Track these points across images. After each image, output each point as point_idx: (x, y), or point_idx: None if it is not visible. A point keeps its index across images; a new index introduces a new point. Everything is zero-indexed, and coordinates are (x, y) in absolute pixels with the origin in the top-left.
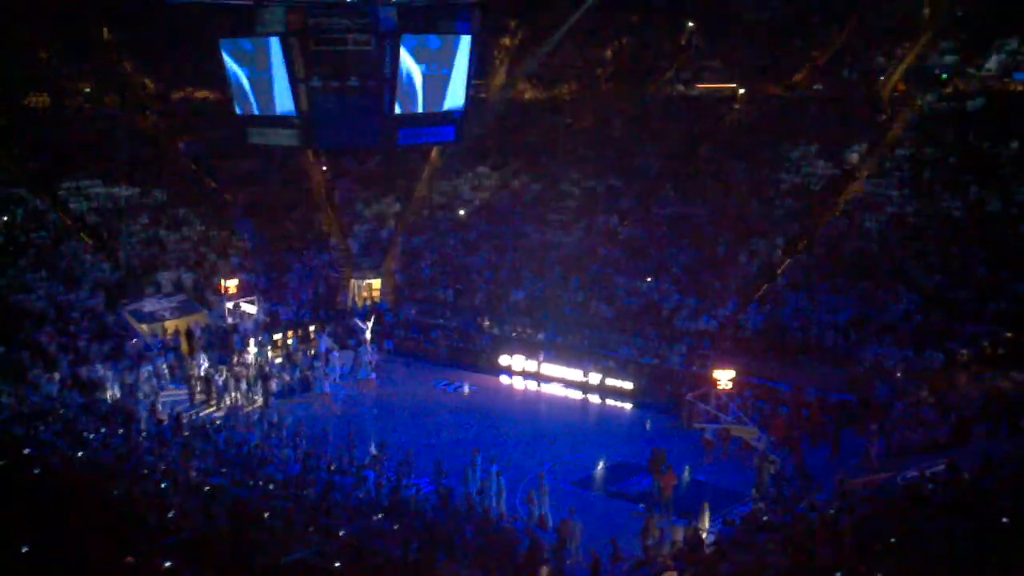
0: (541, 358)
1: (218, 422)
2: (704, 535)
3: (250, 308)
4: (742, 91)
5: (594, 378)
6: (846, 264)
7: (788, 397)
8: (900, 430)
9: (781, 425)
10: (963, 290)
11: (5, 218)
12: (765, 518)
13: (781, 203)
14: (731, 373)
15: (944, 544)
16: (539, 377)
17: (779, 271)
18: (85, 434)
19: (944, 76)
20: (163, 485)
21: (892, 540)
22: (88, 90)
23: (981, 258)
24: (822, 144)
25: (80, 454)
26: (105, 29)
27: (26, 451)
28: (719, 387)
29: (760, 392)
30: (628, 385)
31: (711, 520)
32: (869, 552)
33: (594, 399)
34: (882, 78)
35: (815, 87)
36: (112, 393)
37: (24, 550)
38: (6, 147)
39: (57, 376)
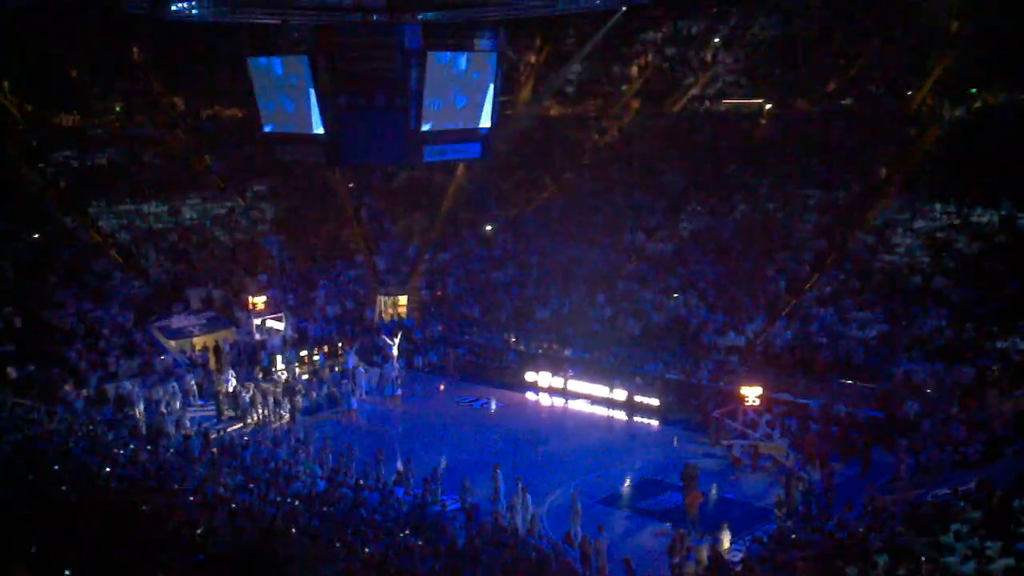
0: (568, 374)
1: (245, 438)
2: (725, 554)
3: (277, 324)
4: (768, 106)
5: (621, 395)
6: (875, 279)
7: (817, 414)
8: (930, 447)
9: (810, 442)
10: (994, 305)
11: (36, 235)
12: (794, 536)
13: (809, 218)
14: (759, 389)
15: (974, 562)
16: (565, 393)
17: (807, 286)
18: (114, 450)
19: (973, 90)
20: (191, 500)
21: (922, 559)
22: (118, 109)
23: (1012, 273)
24: (850, 158)
25: (108, 470)
26: (135, 48)
27: (55, 467)
28: (747, 404)
29: (788, 409)
30: (655, 402)
31: (736, 539)
32: (898, 570)
33: (621, 416)
34: (911, 92)
35: (843, 102)
36: (140, 409)
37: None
38: (37, 166)
39: (86, 392)
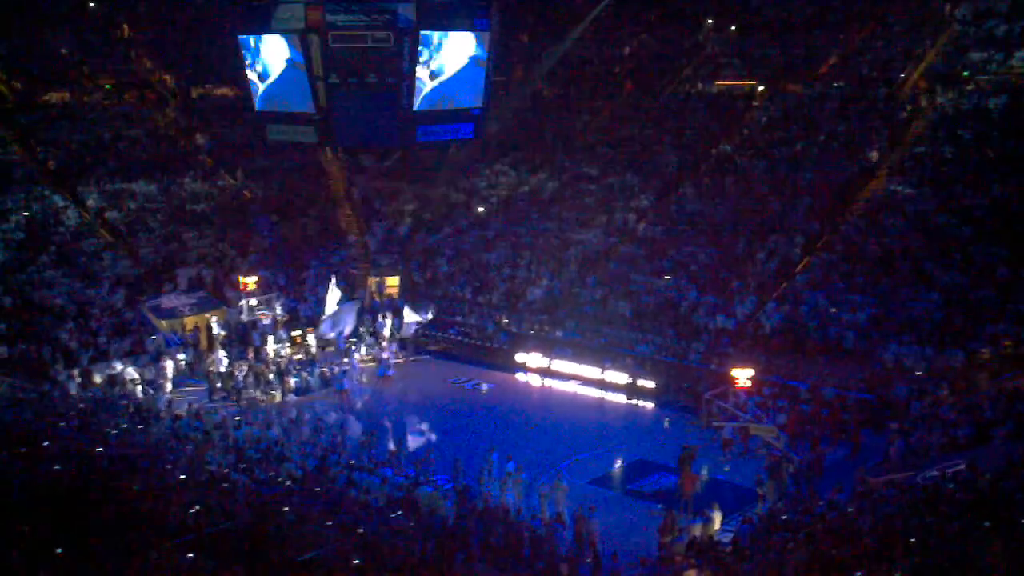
0: (556, 355)
1: (237, 418)
2: (715, 534)
3: (268, 305)
4: (761, 88)
5: (611, 376)
6: (866, 262)
7: (807, 396)
8: (920, 430)
9: (799, 423)
10: (984, 289)
11: (26, 214)
12: (784, 517)
13: (800, 201)
14: (750, 371)
15: (964, 545)
16: (556, 375)
17: (798, 269)
18: (105, 430)
19: (966, 73)
20: (183, 480)
21: (912, 540)
22: (108, 87)
23: (1002, 257)
24: (841, 141)
25: (100, 450)
26: (125, 26)
27: (45, 444)
28: (738, 385)
29: (779, 391)
30: (646, 383)
31: (728, 519)
32: (888, 552)
33: (611, 397)
34: (903, 75)
35: (835, 84)
36: (131, 389)
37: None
38: (26, 144)
39: (77, 372)
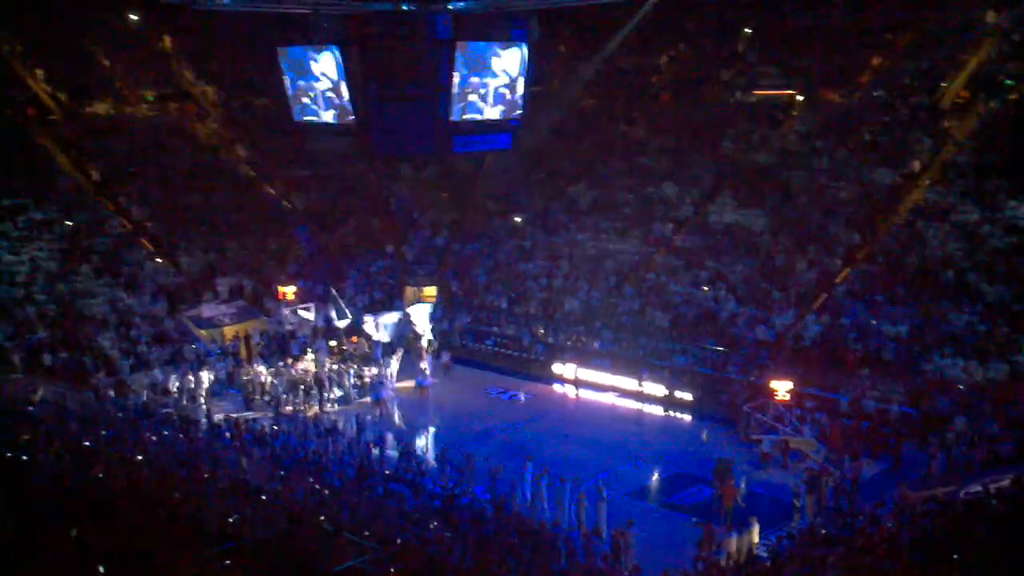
0: (593, 366)
1: (275, 428)
2: (754, 549)
3: (307, 314)
4: (800, 98)
5: (649, 387)
6: (907, 274)
7: (848, 409)
8: (962, 444)
9: (839, 437)
10: None
11: (69, 224)
12: (824, 531)
13: (840, 211)
14: (789, 384)
15: (1008, 562)
16: (593, 386)
17: (838, 280)
18: (145, 437)
19: (1009, 82)
20: (221, 488)
21: (954, 556)
22: (150, 98)
23: None
24: (882, 151)
25: (140, 458)
26: (167, 38)
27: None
28: (776, 398)
29: (819, 404)
30: (684, 395)
31: (765, 533)
32: (930, 569)
33: (649, 409)
34: (944, 83)
35: (875, 93)
36: (171, 398)
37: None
38: (70, 154)
39: (117, 380)
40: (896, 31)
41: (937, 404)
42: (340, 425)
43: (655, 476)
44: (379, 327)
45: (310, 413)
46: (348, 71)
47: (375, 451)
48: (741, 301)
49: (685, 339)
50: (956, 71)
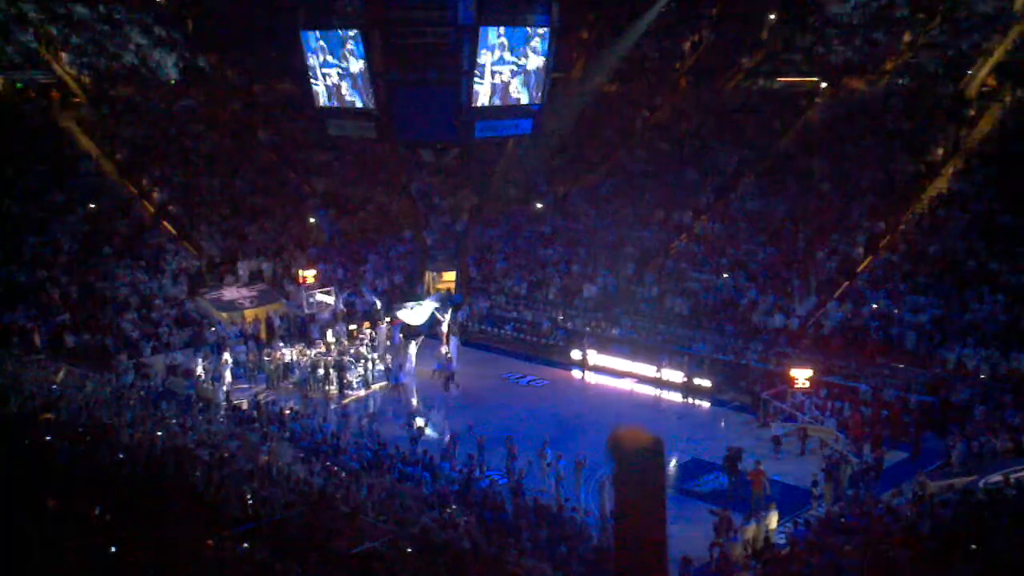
0: (612, 352)
1: (295, 410)
2: (772, 536)
3: (327, 298)
4: (824, 85)
5: (668, 374)
6: (929, 263)
7: (867, 397)
8: (983, 434)
9: (859, 425)
10: None
11: (92, 206)
12: (842, 520)
13: (863, 199)
14: (809, 372)
15: None
16: (612, 372)
17: (860, 269)
18: (165, 419)
19: None
20: (239, 470)
21: (972, 546)
22: (172, 82)
23: None
24: (905, 139)
25: (161, 439)
26: (189, 22)
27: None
28: (796, 386)
29: (838, 392)
30: (702, 382)
31: (782, 521)
32: (948, 558)
33: (668, 395)
34: (970, 72)
35: (899, 81)
36: (192, 379)
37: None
38: (93, 137)
39: (139, 362)
40: (921, 18)
41: (958, 393)
42: (358, 408)
43: (672, 462)
44: (415, 314)
45: (329, 396)
46: (370, 55)
47: (398, 432)
48: (761, 289)
49: (704, 326)
50: (982, 59)
